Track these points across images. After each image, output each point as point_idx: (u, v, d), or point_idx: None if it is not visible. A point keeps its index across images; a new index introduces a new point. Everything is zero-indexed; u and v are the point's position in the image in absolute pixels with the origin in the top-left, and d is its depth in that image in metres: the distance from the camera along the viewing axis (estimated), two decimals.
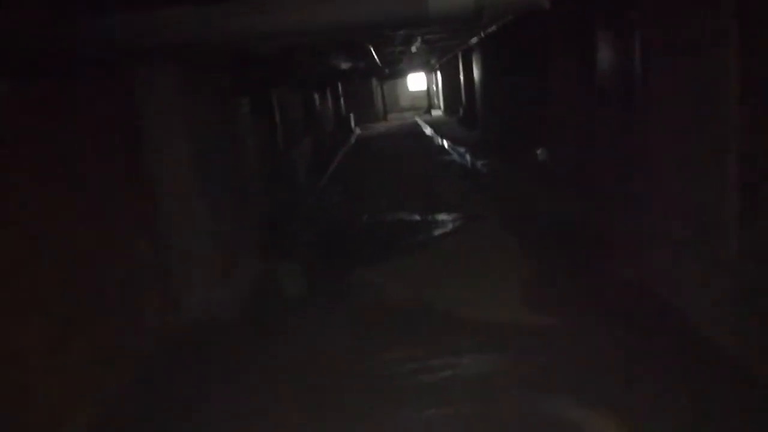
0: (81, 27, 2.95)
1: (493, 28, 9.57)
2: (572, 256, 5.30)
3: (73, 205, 3.47)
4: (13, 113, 3.05)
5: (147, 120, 4.42)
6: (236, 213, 5.64)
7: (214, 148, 5.24)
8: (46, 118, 3.32)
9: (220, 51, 4.74)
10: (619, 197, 5.04)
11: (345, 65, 11.02)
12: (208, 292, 4.64)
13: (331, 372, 3.80)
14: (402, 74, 23.06)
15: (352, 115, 22.00)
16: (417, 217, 7.66)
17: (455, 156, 12.76)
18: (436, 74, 26.46)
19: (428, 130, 19.02)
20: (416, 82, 29.26)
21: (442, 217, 7.46)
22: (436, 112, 26.43)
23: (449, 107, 22.85)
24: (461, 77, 17.63)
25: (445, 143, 14.83)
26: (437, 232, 6.89)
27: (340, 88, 19.35)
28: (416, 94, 30.09)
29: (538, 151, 8.17)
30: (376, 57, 10.97)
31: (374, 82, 25.12)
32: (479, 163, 10.69)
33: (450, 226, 7.04)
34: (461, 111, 18.61)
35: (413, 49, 12.09)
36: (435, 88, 28.31)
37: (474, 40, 11.95)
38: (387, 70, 18.04)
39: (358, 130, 22.17)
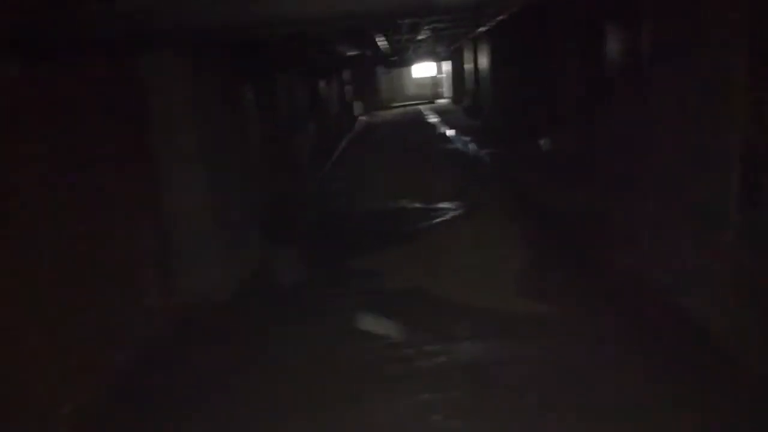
0: (89, 10, 2.98)
1: (501, 17, 9.54)
2: (572, 244, 5.35)
3: (76, 185, 3.51)
4: (22, 95, 3.09)
5: (153, 103, 4.46)
6: (239, 198, 5.68)
7: (219, 133, 5.27)
8: (53, 100, 3.36)
9: (226, 37, 4.76)
10: (622, 187, 5.07)
11: (351, 53, 11.02)
12: (208, 276, 4.70)
13: (326, 356, 3.86)
14: (408, 62, 22.94)
15: (357, 103, 21.96)
16: (419, 205, 7.70)
17: (459, 145, 12.77)
18: (442, 63, 26.33)
19: (433, 119, 19.00)
20: (422, 70, 29.11)
21: (443, 205, 7.50)
22: (442, 101, 26.35)
23: (455, 96, 22.79)
24: (467, 66, 17.59)
25: (450, 132, 14.83)
26: (438, 220, 6.93)
27: (345, 75, 19.31)
28: (422, 83, 29.93)
29: (542, 141, 8.19)
30: (382, 45, 10.96)
31: (380, 70, 25.02)
32: (483, 152, 10.71)
33: (451, 215, 7.08)
34: (467, 100, 18.58)
35: (420, 37, 12.06)
36: (441, 77, 28.19)
37: (481, 29, 11.92)
38: (393, 58, 17.98)
39: (363, 118, 22.14)
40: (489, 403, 3.16)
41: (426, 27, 10.62)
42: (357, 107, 21.98)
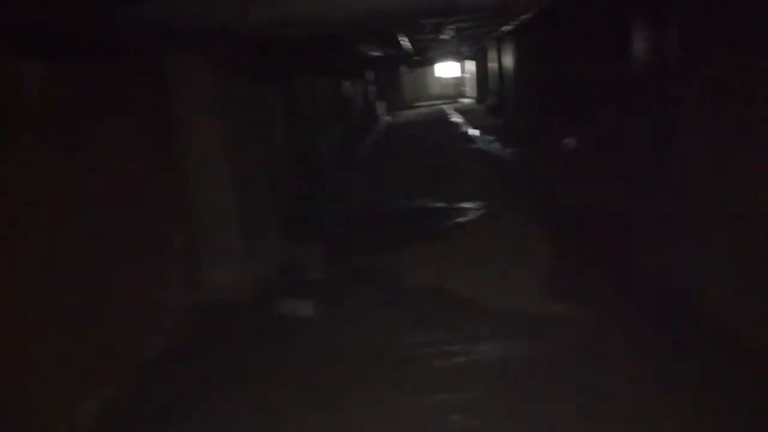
0: (117, 11, 3.05)
1: (525, 16, 9.47)
2: (596, 245, 5.29)
3: (104, 182, 3.59)
4: (52, 95, 3.17)
5: (179, 101, 4.54)
6: (263, 195, 5.74)
7: (244, 131, 5.34)
8: (82, 100, 3.44)
9: (249, 37, 4.82)
10: (648, 188, 5.00)
11: (374, 53, 11.03)
12: (232, 272, 4.76)
13: (347, 354, 3.88)
14: (432, 62, 22.89)
15: (380, 103, 21.97)
16: (441, 205, 7.69)
17: (483, 144, 12.71)
18: (466, 62, 26.23)
19: (457, 118, 18.94)
20: (446, 69, 29.03)
21: (466, 205, 7.48)
22: (466, 100, 26.24)
23: (479, 95, 22.68)
24: (492, 65, 17.49)
25: (473, 131, 14.77)
26: (461, 219, 6.91)
27: (369, 75, 19.34)
28: (446, 82, 29.85)
29: (568, 141, 8.11)
30: (405, 45, 10.96)
31: (404, 69, 25.01)
32: (506, 152, 10.65)
33: (474, 215, 7.05)
34: (490, 99, 18.48)
35: (444, 37, 12.03)
36: (465, 76, 28.08)
37: (505, 28, 11.84)
38: (416, 58, 17.95)
39: (386, 118, 22.16)
40: (509, 404, 3.15)
41: (449, 27, 10.58)
42: (380, 107, 21.99)
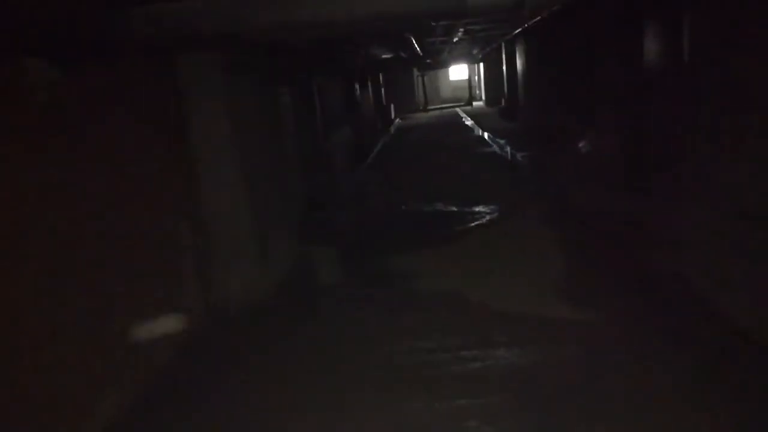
0: (130, 14, 3.05)
1: (538, 18, 9.41)
2: (611, 249, 5.22)
3: (117, 184, 3.59)
4: (65, 97, 3.17)
5: (190, 104, 4.54)
6: (275, 198, 5.73)
7: (255, 134, 5.33)
8: (95, 102, 3.44)
9: (262, 39, 4.81)
10: (663, 190, 4.94)
11: (386, 55, 11.03)
12: (245, 274, 4.75)
13: (362, 359, 3.84)
14: (443, 65, 22.85)
15: (392, 105, 21.97)
16: (454, 208, 7.64)
17: (495, 147, 12.64)
18: (478, 65, 26.17)
19: (469, 122, 18.87)
20: (458, 72, 28.99)
21: (478, 208, 7.42)
22: (478, 104, 26.16)
23: (491, 98, 22.60)
24: (503, 68, 17.42)
25: (485, 135, 14.70)
26: (473, 223, 6.86)
27: (381, 78, 19.35)
28: (457, 85, 29.81)
29: (581, 144, 8.04)
30: (417, 47, 10.94)
31: (415, 72, 25.02)
32: (519, 155, 10.58)
33: (486, 218, 7.00)
34: (503, 102, 18.40)
35: (455, 39, 11.99)
36: (477, 79, 28.01)
37: (517, 30, 11.78)
38: (428, 61, 17.93)
39: (398, 120, 22.15)
40: (525, 410, 3.10)
41: (461, 29, 10.55)
42: (392, 110, 21.99)
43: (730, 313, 3.64)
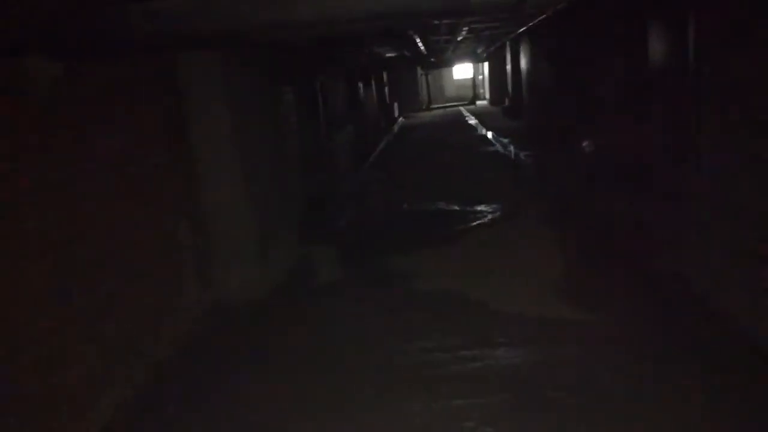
0: (130, 11, 3.04)
1: (541, 17, 9.38)
2: (612, 249, 5.20)
3: (117, 184, 3.60)
4: (65, 96, 3.17)
5: (190, 104, 4.54)
6: (275, 197, 5.74)
7: (257, 133, 5.34)
8: (95, 102, 3.45)
9: (262, 39, 4.81)
10: (664, 192, 4.91)
11: (389, 54, 11.01)
12: (245, 274, 4.75)
13: (361, 359, 3.84)
14: (447, 64, 22.81)
15: (396, 104, 21.95)
16: (456, 208, 7.63)
17: (498, 147, 12.62)
18: (482, 64, 26.11)
19: (472, 121, 18.85)
20: (462, 71, 28.92)
21: (481, 208, 7.41)
22: (482, 103, 26.11)
23: (495, 97, 22.56)
24: (508, 67, 17.39)
25: (489, 134, 14.68)
26: (475, 222, 6.84)
27: (384, 76, 19.32)
28: (462, 84, 29.75)
29: (584, 144, 8.01)
30: (420, 46, 10.92)
31: (419, 71, 24.97)
32: (522, 154, 10.56)
33: (488, 218, 6.98)
34: (506, 101, 18.36)
35: (459, 38, 11.96)
36: (481, 78, 27.95)
37: (522, 29, 11.74)
38: (432, 60, 17.90)
39: (401, 119, 22.13)
40: (524, 411, 3.09)
41: (465, 28, 10.52)
42: (396, 108, 21.97)
43: (731, 312, 3.62)
